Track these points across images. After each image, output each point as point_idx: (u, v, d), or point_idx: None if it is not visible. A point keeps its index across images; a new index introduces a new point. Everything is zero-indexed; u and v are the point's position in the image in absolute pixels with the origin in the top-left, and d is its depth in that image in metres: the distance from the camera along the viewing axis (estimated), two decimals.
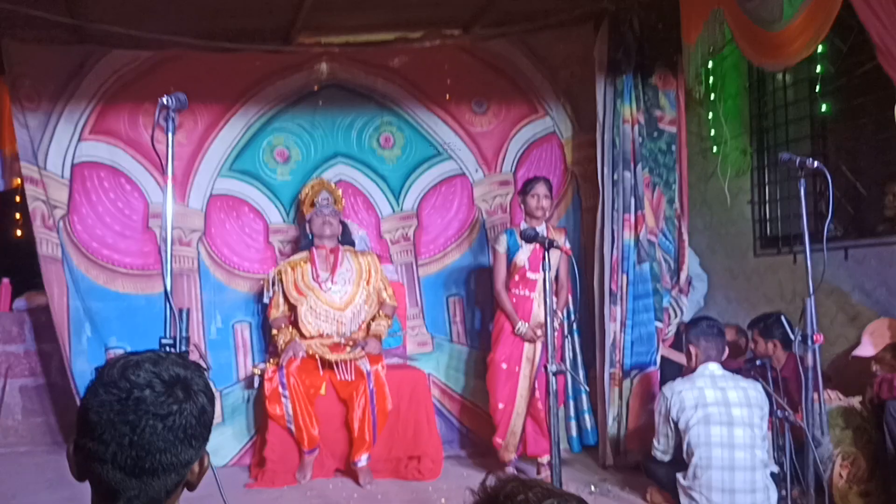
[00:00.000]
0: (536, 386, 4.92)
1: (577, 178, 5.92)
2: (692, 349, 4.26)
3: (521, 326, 4.93)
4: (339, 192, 5.59)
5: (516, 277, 5.03)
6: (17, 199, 6.10)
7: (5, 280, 6.25)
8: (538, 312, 4.93)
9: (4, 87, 5.54)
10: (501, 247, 5.09)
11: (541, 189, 5.00)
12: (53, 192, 5.46)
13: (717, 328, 4.25)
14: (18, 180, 5.72)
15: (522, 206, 5.10)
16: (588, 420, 5.43)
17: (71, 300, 5.42)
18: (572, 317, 5.27)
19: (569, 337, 5.40)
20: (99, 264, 5.50)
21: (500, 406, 4.97)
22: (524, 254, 5.00)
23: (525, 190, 5.06)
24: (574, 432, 5.47)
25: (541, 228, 4.84)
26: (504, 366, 4.96)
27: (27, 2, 4.88)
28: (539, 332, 4.89)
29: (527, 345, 4.95)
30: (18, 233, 6.61)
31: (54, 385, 6.02)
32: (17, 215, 6.50)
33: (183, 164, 5.66)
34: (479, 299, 5.87)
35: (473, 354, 5.76)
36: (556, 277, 4.99)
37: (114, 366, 1.41)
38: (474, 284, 5.89)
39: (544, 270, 3.20)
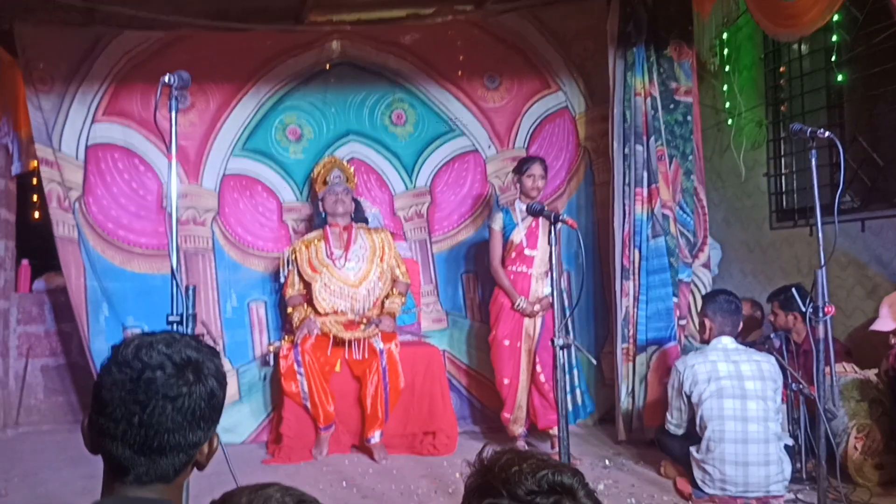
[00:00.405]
0: (538, 360, 4.95)
1: (589, 154, 5.90)
2: (707, 322, 4.24)
3: (521, 302, 4.95)
4: (352, 169, 5.59)
5: (513, 254, 5.04)
6: (35, 181, 6.15)
7: (25, 262, 6.33)
8: (536, 288, 5.00)
9: (18, 70, 5.58)
10: (497, 224, 5.11)
11: (537, 170, 5.00)
12: (68, 174, 5.51)
13: (734, 304, 4.21)
14: (35, 163, 5.77)
15: (518, 185, 5.10)
16: (580, 395, 5.44)
17: (88, 280, 5.48)
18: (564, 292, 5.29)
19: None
20: (115, 245, 5.56)
21: (506, 381, 5.01)
22: (521, 231, 5.02)
23: (521, 170, 5.05)
24: (570, 406, 5.48)
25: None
26: (507, 342, 5.00)
27: None
28: (538, 308, 4.91)
29: (526, 320, 4.99)
30: (36, 215, 6.67)
31: (75, 364, 6.12)
32: (35, 197, 6.56)
33: (196, 144, 5.69)
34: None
35: (488, 330, 5.75)
36: (550, 254, 4.99)
37: (128, 345, 1.44)
38: (488, 261, 5.87)
39: (550, 245, 3.20)
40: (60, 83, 5.50)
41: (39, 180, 5.65)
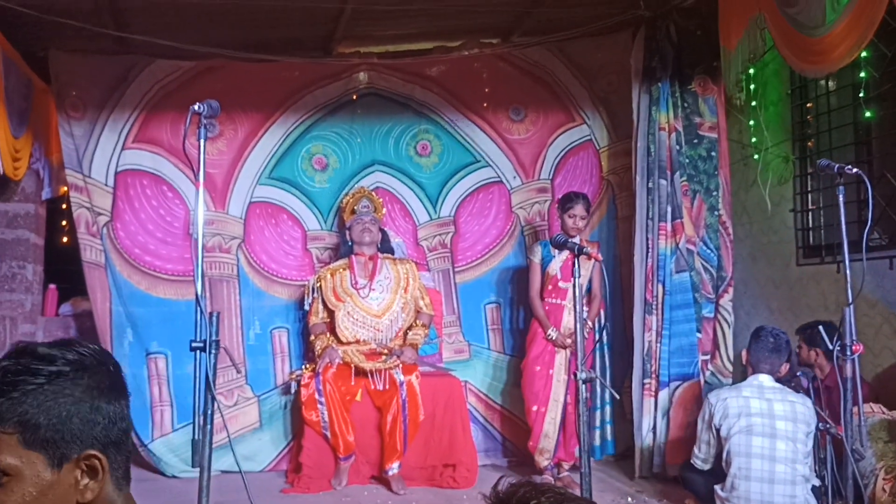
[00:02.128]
0: (569, 392, 4.92)
1: (612, 188, 5.89)
2: (745, 356, 4.20)
3: (552, 332, 4.96)
4: (380, 200, 5.61)
5: (549, 287, 5.07)
6: (64, 206, 6.23)
7: (52, 286, 6.38)
8: (569, 320, 4.98)
9: (51, 97, 5.68)
10: (536, 257, 5.15)
11: (579, 210, 5.04)
12: (97, 200, 5.58)
13: (773, 343, 4.11)
14: (65, 188, 5.86)
15: (560, 221, 5.10)
16: (609, 431, 5.41)
17: (113, 305, 5.52)
18: (603, 328, 5.26)
19: (598, 346, 5.41)
20: (141, 270, 5.60)
21: (534, 408, 4.98)
22: (557, 263, 5.05)
23: (564, 207, 5.07)
24: (598, 441, 5.45)
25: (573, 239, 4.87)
26: (538, 368, 4.99)
27: (73, 14, 5.00)
28: (569, 341, 4.91)
29: (560, 352, 4.96)
30: (65, 239, 6.74)
31: None
32: (64, 222, 6.64)
33: (223, 172, 5.75)
34: (516, 307, 5.85)
35: (510, 362, 5.74)
36: (589, 288, 5.02)
37: None
38: (512, 292, 5.87)
39: (574, 277, 3.18)
40: (92, 110, 5.59)
41: (69, 205, 5.72)
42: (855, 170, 3.27)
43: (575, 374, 3.01)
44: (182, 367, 5.39)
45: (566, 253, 4.96)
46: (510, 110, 6.00)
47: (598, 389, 5.47)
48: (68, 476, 1.25)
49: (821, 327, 4.04)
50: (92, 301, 5.55)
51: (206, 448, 2.72)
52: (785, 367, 4.23)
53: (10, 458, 1.23)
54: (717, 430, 4.00)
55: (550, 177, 5.93)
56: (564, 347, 4.95)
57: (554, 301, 5.06)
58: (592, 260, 3.30)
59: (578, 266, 3.16)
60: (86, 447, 1.27)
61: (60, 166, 5.76)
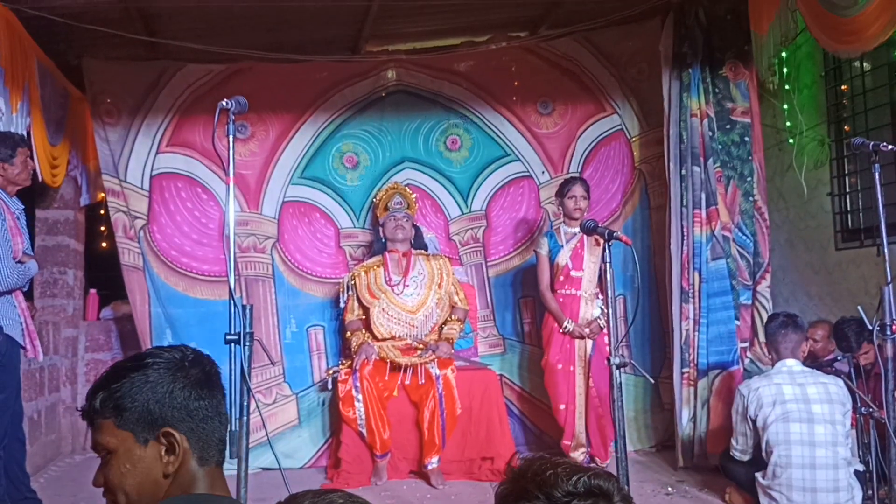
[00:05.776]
0: (591, 383, 4.87)
1: (644, 177, 5.85)
2: (766, 348, 4.15)
3: (568, 324, 4.90)
4: (413, 196, 5.61)
5: (561, 278, 5.01)
6: (102, 212, 6.35)
7: (93, 291, 6.51)
8: (585, 310, 4.93)
9: (86, 104, 5.79)
10: (543, 249, 5.09)
11: (578, 190, 4.98)
12: (134, 204, 5.66)
13: (787, 322, 4.07)
14: (102, 194, 5.96)
15: (560, 208, 5.08)
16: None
17: (152, 307, 5.60)
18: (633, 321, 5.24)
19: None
20: (178, 272, 5.67)
21: (562, 407, 4.94)
22: (566, 252, 4.99)
23: (563, 192, 5.03)
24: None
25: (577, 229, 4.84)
26: (559, 366, 4.94)
27: (105, 21, 5.08)
28: (587, 330, 4.85)
29: (578, 343, 4.92)
30: (104, 244, 6.87)
31: None
32: (102, 228, 6.76)
33: (256, 172, 5.81)
34: None
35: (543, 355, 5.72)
36: (600, 277, 4.94)
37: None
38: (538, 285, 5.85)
39: (605, 263, 3.15)
40: (126, 116, 5.68)
41: (107, 211, 5.82)
42: (890, 147, 3.21)
43: (608, 360, 2.99)
44: (221, 365, 5.44)
45: (574, 242, 4.95)
46: (538, 104, 5.97)
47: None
48: (153, 451, 1.52)
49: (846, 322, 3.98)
50: (131, 304, 5.64)
51: (244, 439, 2.76)
52: (806, 346, 4.17)
53: (109, 438, 1.52)
54: (753, 421, 3.96)
55: (580, 169, 5.89)
56: (582, 338, 4.90)
57: (567, 292, 4.99)
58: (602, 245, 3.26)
59: (610, 252, 3.13)
60: (164, 426, 1.52)
61: (97, 172, 5.86)
